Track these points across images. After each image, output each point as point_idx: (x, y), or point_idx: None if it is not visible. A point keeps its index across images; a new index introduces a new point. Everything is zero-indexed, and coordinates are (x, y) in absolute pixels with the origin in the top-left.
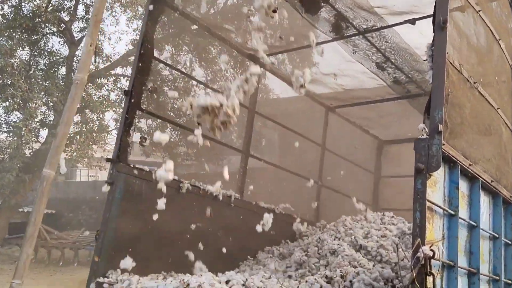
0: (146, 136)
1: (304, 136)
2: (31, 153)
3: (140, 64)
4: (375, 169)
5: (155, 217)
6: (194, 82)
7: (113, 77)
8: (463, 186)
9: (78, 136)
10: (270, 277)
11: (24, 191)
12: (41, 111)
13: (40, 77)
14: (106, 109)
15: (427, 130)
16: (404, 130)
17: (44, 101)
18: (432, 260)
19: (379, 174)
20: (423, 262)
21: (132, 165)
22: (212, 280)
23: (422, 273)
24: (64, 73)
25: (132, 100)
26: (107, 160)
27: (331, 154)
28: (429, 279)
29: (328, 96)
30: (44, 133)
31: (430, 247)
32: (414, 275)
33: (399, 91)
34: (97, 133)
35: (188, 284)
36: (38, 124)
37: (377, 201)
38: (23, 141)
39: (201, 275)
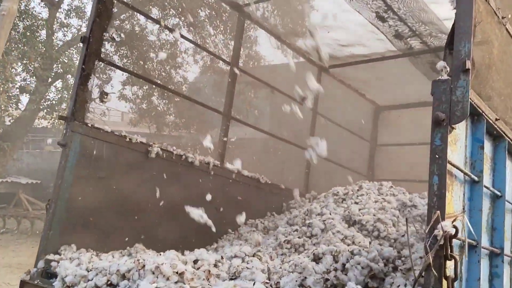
0: (106, 92)
1: (293, 98)
2: (11, 121)
3: (99, 6)
4: (371, 137)
5: (118, 185)
6: (182, 49)
7: None
8: (487, 146)
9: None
10: (253, 255)
11: (4, 160)
12: (20, 77)
13: (19, 40)
14: None
15: (448, 69)
16: (404, 95)
17: (23, 66)
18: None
19: (375, 142)
20: (442, 242)
21: (90, 125)
22: (174, 260)
23: (440, 256)
24: (45, 36)
25: (89, 49)
26: (60, 118)
27: (323, 120)
28: (449, 264)
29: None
30: (25, 100)
31: (452, 222)
32: (431, 259)
33: (401, 47)
34: None
35: (144, 266)
36: (17, 90)
37: (373, 171)
38: (2, 108)
39: (161, 254)
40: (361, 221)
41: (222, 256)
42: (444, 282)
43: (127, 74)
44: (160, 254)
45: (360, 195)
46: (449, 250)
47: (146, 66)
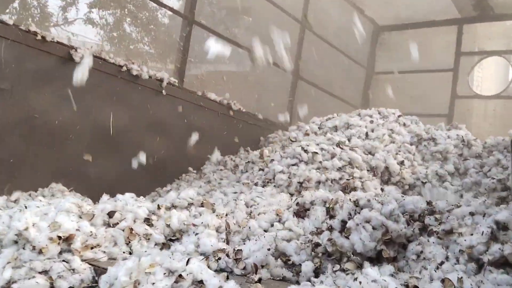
0: None
1: (279, 6)
2: None
3: None
4: (368, 63)
5: (28, 101)
6: None
7: None
8: None
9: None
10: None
11: None
12: None
13: None
14: None
15: None
16: (410, 11)
17: None
18: None
19: (372, 69)
20: None
21: None
22: (62, 215)
23: None
24: None
25: None
26: None
27: (313, 38)
28: None
29: None
30: None
31: None
32: None
33: None
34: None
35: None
36: None
37: (368, 103)
38: None
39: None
40: (365, 160)
41: (159, 206)
42: None
43: None
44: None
45: (359, 124)
46: None
47: None
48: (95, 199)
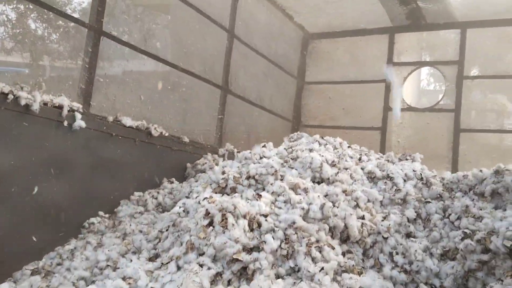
0: None
1: (205, 15)
2: None
3: None
4: (299, 72)
5: None
6: None
7: None
8: None
9: None
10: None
11: None
12: None
13: None
14: None
15: None
16: (341, 19)
17: None
18: None
19: (302, 79)
20: None
21: None
22: None
23: None
24: None
25: None
26: None
27: (242, 47)
28: None
29: None
30: None
31: None
32: None
33: None
34: None
35: None
36: None
37: (299, 115)
38: None
39: None
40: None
41: None
42: None
43: None
44: None
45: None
46: None
47: None
48: None
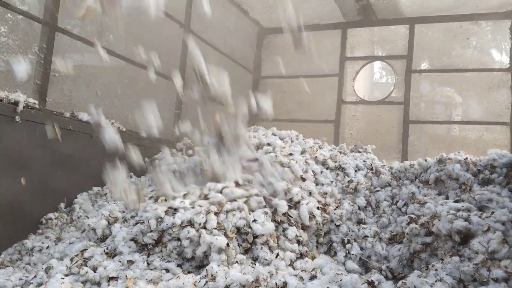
0: None
1: (160, 9)
2: None
3: None
4: (255, 66)
5: None
6: None
7: None
8: None
9: None
10: None
11: None
12: None
13: None
14: None
15: None
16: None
17: None
18: None
19: (258, 73)
20: None
21: None
22: None
23: None
24: None
25: None
26: None
27: (197, 42)
28: None
29: None
30: None
31: None
32: None
33: None
34: None
35: None
36: None
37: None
38: None
39: None
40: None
41: None
42: None
43: None
44: None
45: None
46: None
47: None
48: None
